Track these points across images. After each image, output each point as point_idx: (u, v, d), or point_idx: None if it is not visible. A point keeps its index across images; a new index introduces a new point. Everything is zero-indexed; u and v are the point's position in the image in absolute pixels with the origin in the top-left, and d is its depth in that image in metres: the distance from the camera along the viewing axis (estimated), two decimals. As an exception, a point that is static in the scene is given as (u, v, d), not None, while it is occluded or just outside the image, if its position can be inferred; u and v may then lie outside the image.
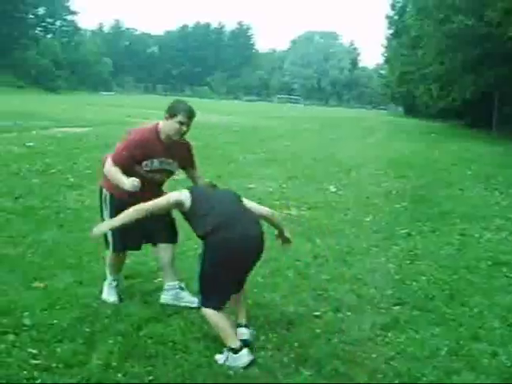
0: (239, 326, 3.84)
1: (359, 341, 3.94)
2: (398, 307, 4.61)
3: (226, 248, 3.58)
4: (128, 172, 4.04)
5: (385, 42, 61.79)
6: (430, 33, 29.30)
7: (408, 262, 5.85)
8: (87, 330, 3.80)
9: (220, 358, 3.54)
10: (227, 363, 3.49)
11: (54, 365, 3.32)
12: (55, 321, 3.89)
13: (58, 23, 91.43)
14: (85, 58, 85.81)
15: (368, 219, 7.66)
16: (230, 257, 3.59)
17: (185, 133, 4.18)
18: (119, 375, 3.26)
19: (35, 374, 3.22)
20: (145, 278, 4.86)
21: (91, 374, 3.24)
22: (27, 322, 3.85)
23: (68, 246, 5.51)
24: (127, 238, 4.25)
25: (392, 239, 6.70)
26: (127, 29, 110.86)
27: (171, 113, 4.14)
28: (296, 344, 3.80)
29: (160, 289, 4.59)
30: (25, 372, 3.23)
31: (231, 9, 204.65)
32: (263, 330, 3.99)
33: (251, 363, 3.47)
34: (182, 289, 4.39)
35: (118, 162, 4.09)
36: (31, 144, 13.46)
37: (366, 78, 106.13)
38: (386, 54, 63.91)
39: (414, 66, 40.04)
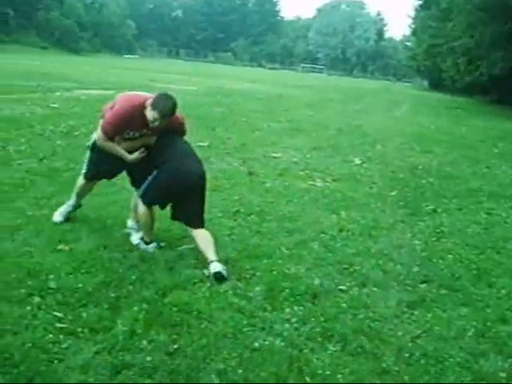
0: (211, 262, 4.32)
1: (385, 318, 3.89)
2: (424, 285, 4.54)
3: (174, 171, 4.57)
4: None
5: (412, 13, 60.68)
6: (460, 5, 28.62)
7: (434, 239, 5.75)
8: (112, 295, 3.79)
9: (134, 239, 4.76)
10: (139, 246, 4.65)
11: (79, 329, 3.31)
12: (80, 284, 3.88)
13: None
14: (108, 20, 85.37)
15: (393, 193, 7.54)
16: (175, 181, 4.57)
17: (158, 125, 4.49)
18: (144, 342, 3.24)
19: (61, 337, 3.22)
20: (168, 244, 4.81)
21: (116, 341, 3.22)
22: (52, 284, 3.84)
23: (92, 209, 5.48)
24: (100, 172, 4.98)
25: (418, 215, 6.59)
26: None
27: (154, 104, 4.43)
28: (322, 318, 3.76)
29: (184, 256, 4.58)
30: (50, 335, 3.22)
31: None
32: (288, 303, 3.95)
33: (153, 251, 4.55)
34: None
35: (107, 135, 4.56)
36: (55, 105, 13.45)
37: (392, 50, 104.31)
38: (413, 26, 62.74)
39: (442, 38, 39.21)
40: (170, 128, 4.67)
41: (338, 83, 50.82)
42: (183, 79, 30.54)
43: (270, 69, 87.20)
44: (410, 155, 11.06)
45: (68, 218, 5.13)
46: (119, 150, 4.62)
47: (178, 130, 4.88)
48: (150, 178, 4.61)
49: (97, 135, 4.66)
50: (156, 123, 4.45)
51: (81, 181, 5.08)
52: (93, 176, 5.02)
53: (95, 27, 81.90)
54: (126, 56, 79.04)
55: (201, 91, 22.54)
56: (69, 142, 8.88)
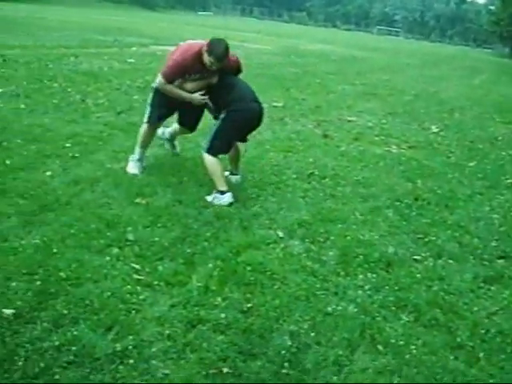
0: (231, 173, 5.32)
1: (460, 291, 3.78)
2: (502, 260, 4.39)
3: (240, 115, 4.95)
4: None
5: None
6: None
7: (514, 213, 5.54)
8: (188, 250, 3.85)
9: (209, 197, 4.79)
10: (214, 201, 4.73)
11: (155, 282, 3.39)
12: (156, 238, 3.95)
13: None
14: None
15: (472, 164, 7.28)
16: (241, 122, 5.01)
17: (216, 67, 4.87)
18: (218, 299, 3.28)
19: (138, 289, 3.30)
20: (242, 203, 4.83)
21: (191, 296, 3.27)
22: (130, 237, 3.93)
23: (169, 164, 5.56)
24: (161, 113, 5.37)
25: (497, 188, 6.35)
26: None
27: (209, 50, 4.78)
28: (395, 287, 3.70)
29: (258, 215, 4.60)
30: (128, 286, 3.30)
31: None
32: (362, 269, 3.90)
33: (231, 203, 4.71)
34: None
35: (167, 80, 4.97)
36: (132, 60, 13.65)
37: (473, 14, 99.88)
38: (498, -12, 59.70)
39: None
40: (227, 69, 5.07)
41: (414, 47, 49.29)
42: (257, 38, 30.34)
43: (345, 30, 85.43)
44: (489, 125, 10.63)
45: (144, 168, 5.39)
46: (179, 91, 5.01)
47: (234, 69, 5.26)
48: (213, 129, 4.97)
49: (157, 79, 5.05)
50: (213, 66, 4.83)
51: (144, 128, 5.46)
52: (154, 119, 5.39)
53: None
54: (200, 13, 79.07)
55: (275, 50, 22.34)
56: (145, 98, 8.91)
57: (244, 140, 5.44)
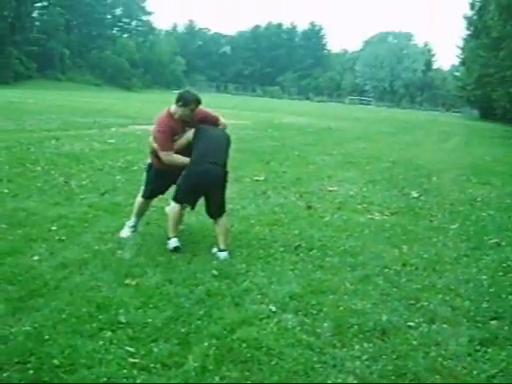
0: (219, 250, 5.39)
1: (458, 356, 3.77)
2: (495, 321, 4.39)
3: (193, 176, 5.34)
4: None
5: (461, 43, 60.24)
6: (512, 34, 28.27)
7: (501, 273, 5.58)
8: (182, 330, 3.80)
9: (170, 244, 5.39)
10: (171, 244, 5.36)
11: (151, 365, 3.34)
12: (149, 319, 3.91)
13: (133, 23, 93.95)
14: (159, 58, 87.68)
15: (454, 227, 7.38)
16: (194, 182, 5.37)
17: (191, 114, 5.49)
18: (216, 379, 3.23)
19: (134, 372, 3.24)
20: (232, 279, 4.82)
21: (189, 377, 3.23)
22: (122, 319, 3.89)
23: (156, 243, 5.55)
24: (155, 189, 5.87)
25: (481, 249, 6.42)
26: (200, 29, 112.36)
27: (184, 102, 5.42)
28: (393, 355, 3.68)
29: (249, 290, 4.58)
30: (124, 371, 3.25)
31: (303, 9, 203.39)
32: (357, 339, 3.88)
33: (176, 248, 5.34)
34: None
35: (169, 150, 5.45)
36: (112, 141, 13.82)
37: (440, 80, 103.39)
38: (462, 56, 62.20)
39: (493, 68, 38.75)
40: (201, 120, 5.60)
41: (386, 115, 50.58)
42: (233, 113, 30.93)
43: (318, 101, 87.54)
44: (467, 187, 10.85)
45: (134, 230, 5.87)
46: (184, 158, 5.42)
47: (209, 119, 5.73)
48: (179, 180, 5.47)
49: (161, 155, 5.49)
50: (193, 112, 5.46)
51: (139, 200, 5.94)
52: (149, 194, 5.91)
53: (146, 64, 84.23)
54: (175, 91, 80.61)
55: (251, 125, 22.78)
56: (128, 177, 9.07)
57: (212, 209, 5.58)
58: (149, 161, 5.94)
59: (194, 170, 5.36)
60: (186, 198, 5.52)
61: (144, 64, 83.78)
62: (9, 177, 8.44)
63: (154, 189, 5.90)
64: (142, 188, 5.95)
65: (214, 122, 5.76)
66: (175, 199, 5.50)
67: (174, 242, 5.40)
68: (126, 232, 5.83)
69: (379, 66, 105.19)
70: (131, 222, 5.92)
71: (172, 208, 5.51)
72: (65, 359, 3.31)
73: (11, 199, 7.09)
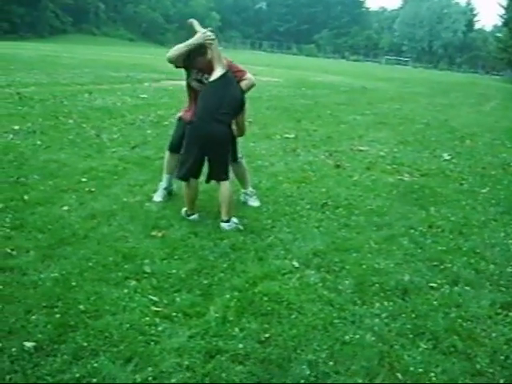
0: (221, 221, 4.99)
1: (478, 318, 3.76)
2: (519, 286, 4.37)
3: (191, 134, 4.99)
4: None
5: (504, 2, 58.05)
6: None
7: (529, 239, 5.52)
8: (204, 282, 3.88)
9: (182, 211, 5.14)
10: (184, 215, 5.10)
11: (173, 314, 3.41)
12: (173, 270, 3.99)
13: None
14: (194, 12, 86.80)
15: (484, 191, 7.27)
16: (192, 141, 4.97)
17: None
18: (236, 330, 3.30)
19: (156, 320, 3.33)
20: (258, 234, 4.87)
21: (209, 327, 3.29)
22: (147, 269, 3.98)
23: (183, 197, 5.61)
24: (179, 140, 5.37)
25: (511, 214, 6.33)
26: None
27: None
28: (412, 315, 3.70)
29: (273, 246, 4.63)
30: (147, 318, 3.33)
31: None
32: (378, 297, 3.90)
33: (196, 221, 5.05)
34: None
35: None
36: (144, 96, 13.86)
37: (481, 41, 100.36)
38: (505, 16, 60.11)
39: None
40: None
41: (423, 76, 49.52)
42: (267, 71, 30.66)
43: (354, 60, 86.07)
44: (501, 151, 10.62)
45: (170, 193, 5.75)
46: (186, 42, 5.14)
47: (235, 73, 5.26)
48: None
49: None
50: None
51: (166, 154, 5.74)
52: (173, 146, 5.57)
53: (181, 19, 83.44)
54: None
55: (285, 83, 22.57)
56: (158, 132, 9.13)
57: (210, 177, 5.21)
58: (179, 114, 5.72)
59: (191, 126, 5.03)
60: (184, 170, 5.05)
61: (178, 19, 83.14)
62: (42, 129, 8.58)
63: (178, 141, 5.52)
64: (169, 140, 5.77)
65: (239, 76, 5.32)
66: (178, 177, 5.19)
67: (192, 219, 5.11)
68: (159, 196, 5.62)
69: (418, 26, 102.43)
70: (163, 183, 5.70)
71: (182, 185, 5.24)
72: (90, 305, 3.42)
73: (43, 151, 7.22)
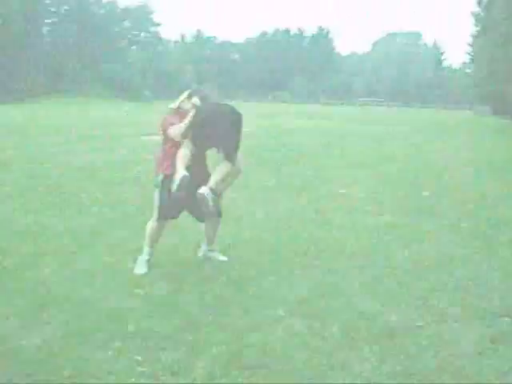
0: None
1: (468, 355, 3.74)
2: (506, 319, 4.34)
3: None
4: None
5: (470, 40, 59.77)
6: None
7: (513, 270, 5.54)
8: (190, 338, 3.82)
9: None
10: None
11: (160, 373, 3.35)
12: (158, 328, 3.93)
13: (142, 35, 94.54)
14: (169, 68, 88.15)
15: (465, 225, 7.32)
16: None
17: None
18: (224, 385, 3.24)
19: (142, 381, 3.26)
20: (242, 284, 4.83)
21: (196, 384, 3.24)
22: (131, 328, 3.92)
23: (164, 253, 5.57)
24: (169, 211, 5.16)
25: (494, 247, 6.36)
26: (208, 37, 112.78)
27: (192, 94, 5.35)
28: (401, 356, 3.66)
29: (258, 295, 4.60)
30: (132, 379, 3.27)
31: (310, 13, 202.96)
32: (366, 341, 3.86)
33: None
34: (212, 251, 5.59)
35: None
36: (123, 152, 13.91)
37: (451, 78, 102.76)
38: (472, 53, 61.82)
39: (503, 63, 38.42)
40: None
41: (397, 115, 50.37)
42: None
43: (329, 104, 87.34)
44: (480, 184, 10.76)
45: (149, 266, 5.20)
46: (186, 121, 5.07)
47: None
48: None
49: (173, 134, 5.07)
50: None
51: (152, 225, 5.25)
52: (164, 214, 5.19)
53: (156, 75, 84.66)
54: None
55: (260, 132, 22.78)
56: (137, 189, 9.12)
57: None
58: (159, 176, 5.18)
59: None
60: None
61: (154, 74, 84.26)
62: (21, 192, 8.53)
63: (168, 209, 5.18)
64: (155, 209, 5.21)
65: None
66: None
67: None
68: (141, 268, 5.16)
69: (389, 67, 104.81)
70: (145, 255, 5.25)
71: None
72: (74, 370, 3.34)
73: (23, 215, 7.16)
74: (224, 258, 5.52)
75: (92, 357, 3.51)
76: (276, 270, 5.25)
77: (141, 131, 20.20)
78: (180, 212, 5.32)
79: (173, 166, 4.96)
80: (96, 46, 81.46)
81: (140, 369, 3.39)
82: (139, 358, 3.52)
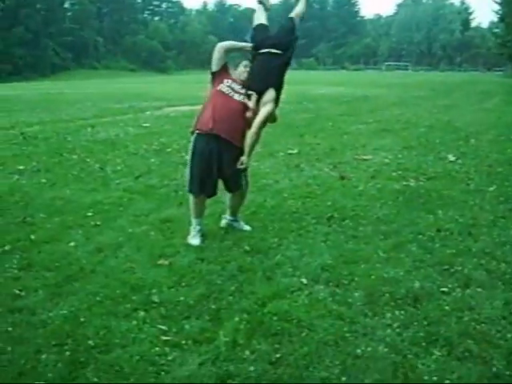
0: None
1: (492, 319, 3.72)
2: (531, 283, 4.31)
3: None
4: None
5: (498, -2, 58.03)
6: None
7: (540, 234, 5.46)
8: (213, 306, 3.86)
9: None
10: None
11: (183, 341, 3.40)
12: (181, 298, 3.98)
13: (163, 5, 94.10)
14: (191, 38, 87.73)
15: (492, 189, 7.22)
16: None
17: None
18: (247, 353, 3.27)
19: (166, 350, 3.31)
20: (265, 254, 4.85)
21: (219, 352, 3.28)
22: (155, 298, 3.97)
23: (189, 223, 5.61)
24: (202, 186, 5.13)
25: (520, 210, 6.28)
26: (231, 5, 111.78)
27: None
28: (425, 322, 3.66)
29: (281, 264, 4.61)
30: (157, 348, 3.32)
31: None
32: (389, 307, 3.87)
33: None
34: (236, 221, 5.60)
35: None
36: (147, 124, 13.94)
37: (480, 39, 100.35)
38: (500, 11, 60.11)
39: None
40: None
41: (424, 79, 49.57)
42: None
43: (354, 70, 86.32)
44: (506, 147, 10.55)
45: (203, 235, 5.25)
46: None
47: None
48: None
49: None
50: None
51: (190, 198, 5.31)
52: (196, 189, 5.17)
53: (179, 46, 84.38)
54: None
55: (286, 98, 22.59)
56: (162, 159, 9.18)
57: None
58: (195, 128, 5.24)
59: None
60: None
61: (177, 45, 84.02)
62: (47, 167, 8.63)
63: (201, 186, 5.17)
64: (187, 182, 5.26)
65: None
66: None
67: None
68: (194, 239, 5.16)
69: (415, 29, 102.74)
70: (193, 225, 5.25)
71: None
72: (100, 340, 3.41)
73: (49, 189, 7.26)
74: (248, 228, 5.53)
75: (117, 326, 3.58)
76: (299, 238, 5.26)
77: (164, 103, 20.23)
78: (214, 188, 5.24)
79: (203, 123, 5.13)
80: (117, 18, 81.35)
81: (164, 338, 3.45)
82: (163, 327, 3.58)
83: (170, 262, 4.67)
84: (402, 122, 14.57)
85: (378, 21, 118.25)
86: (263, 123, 5.11)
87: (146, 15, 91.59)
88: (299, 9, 5.54)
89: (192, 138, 5.25)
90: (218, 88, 5.15)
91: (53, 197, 6.79)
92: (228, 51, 5.33)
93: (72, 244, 5.11)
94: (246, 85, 5.15)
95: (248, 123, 5.08)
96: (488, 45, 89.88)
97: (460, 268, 4.56)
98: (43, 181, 7.66)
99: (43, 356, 3.23)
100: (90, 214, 6.07)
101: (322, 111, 17.42)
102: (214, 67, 5.26)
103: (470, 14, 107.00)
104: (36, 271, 4.49)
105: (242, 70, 5.26)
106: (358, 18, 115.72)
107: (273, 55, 5.14)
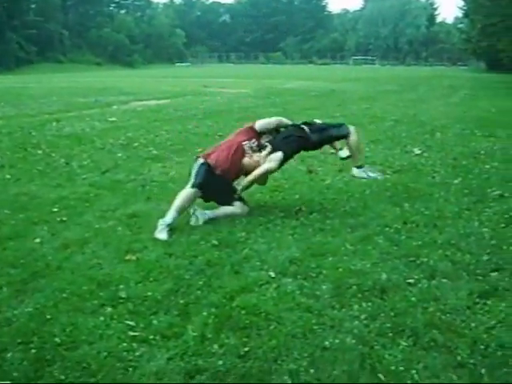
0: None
1: (457, 309, 3.77)
2: (495, 274, 4.37)
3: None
4: None
5: (464, -6, 59.01)
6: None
7: (503, 225, 5.55)
8: (181, 301, 3.85)
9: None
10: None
11: (151, 337, 3.37)
12: (149, 293, 3.95)
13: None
14: (158, 31, 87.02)
15: (457, 181, 7.33)
16: None
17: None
18: (215, 347, 3.27)
19: (134, 345, 3.29)
20: (233, 248, 4.85)
21: (188, 347, 3.26)
22: (123, 294, 3.93)
23: (157, 218, 5.57)
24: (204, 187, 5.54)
25: (484, 202, 6.38)
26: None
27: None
28: (391, 313, 3.69)
29: (249, 258, 4.62)
30: (124, 344, 3.29)
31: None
32: (356, 299, 3.90)
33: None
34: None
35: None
36: (113, 119, 13.80)
37: (445, 34, 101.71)
38: (465, 7, 61.13)
39: (496, 17, 38.02)
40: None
41: (391, 73, 50.04)
42: (235, 82, 30.77)
43: (321, 64, 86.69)
44: (471, 140, 10.73)
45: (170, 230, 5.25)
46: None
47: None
48: None
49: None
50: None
51: (188, 191, 5.50)
52: (201, 185, 5.56)
53: (146, 39, 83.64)
54: (178, 64, 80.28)
55: (253, 93, 22.64)
56: (129, 154, 9.11)
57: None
58: (201, 160, 5.73)
59: None
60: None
61: (144, 39, 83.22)
62: (11, 162, 8.50)
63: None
64: (192, 178, 5.59)
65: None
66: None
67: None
68: (162, 233, 5.14)
69: (382, 24, 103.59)
70: (169, 219, 5.26)
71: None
72: (66, 337, 3.37)
73: (13, 184, 7.15)
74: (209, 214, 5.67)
75: (84, 323, 3.54)
76: (267, 232, 5.27)
77: (131, 97, 20.06)
78: (210, 199, 5.80)
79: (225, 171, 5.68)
80: (83, 11, 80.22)
81: (132, 333, 3.42)
82: (131, 322, 3.55)
83: (137, 257, 4.64)
84: (369, 116, 14.69)
85: (345, 15, 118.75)
86: (260, 177, 5.73)
87: (111, 8, 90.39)
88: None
89: (204, 166, 5.66)
90: (244, 143, 5.78)
91: (17, 193, 6.69)
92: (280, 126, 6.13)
93: (37, 240, 5.03)
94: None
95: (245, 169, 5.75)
96: (453, 40, 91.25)
97: (426, 259, 4.62)
98: (7, 176, 7.54)
99: (8, 354, 3.18)
100: (55, 209, 5.99)
101: (288, 105, 17.45)
102: (259, 128, 5.98)
103: (435, 9, 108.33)
104: (0, 268, 4.41)
105: (262, 156, 5.74)
106: (326, 13, 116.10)
107: (302, 132, 6.06)
